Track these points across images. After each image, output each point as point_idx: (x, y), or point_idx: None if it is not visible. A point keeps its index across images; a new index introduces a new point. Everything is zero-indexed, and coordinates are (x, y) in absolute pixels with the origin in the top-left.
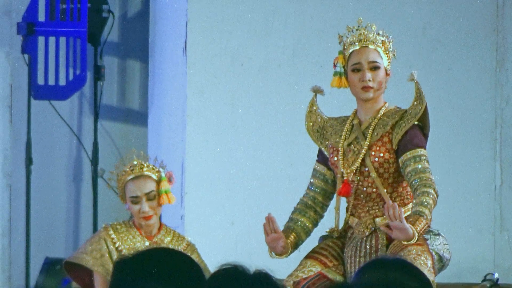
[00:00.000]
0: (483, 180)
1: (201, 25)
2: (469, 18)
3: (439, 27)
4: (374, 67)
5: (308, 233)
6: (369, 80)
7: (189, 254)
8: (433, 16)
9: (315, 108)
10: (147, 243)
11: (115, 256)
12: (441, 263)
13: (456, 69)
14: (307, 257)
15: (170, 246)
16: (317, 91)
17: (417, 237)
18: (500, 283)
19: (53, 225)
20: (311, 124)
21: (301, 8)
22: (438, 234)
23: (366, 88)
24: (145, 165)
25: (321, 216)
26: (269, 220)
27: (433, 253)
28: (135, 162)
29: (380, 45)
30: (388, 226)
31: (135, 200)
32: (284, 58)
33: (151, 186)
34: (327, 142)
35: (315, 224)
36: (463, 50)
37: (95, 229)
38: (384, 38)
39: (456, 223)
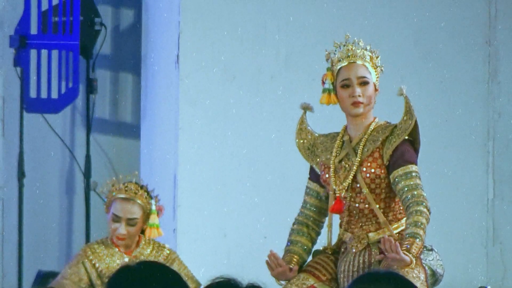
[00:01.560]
0: (476, 193)
1: (193, 37)
2: (461, 30)
3: (430, 39)
4: (363, 82)
5: (309, 252)
6: (359, 96)
7: (171, 262)
8: (424, 28)
9: (304, 125)
10: (126, 259)
11: (94, 277)
12: (434, 278)
13: (448, 82)
14: (301, 271)
15: (151, 258)
16: (306, 108)
17: (414, 261)
18: None
19: (46, 238)
20: (302, 141)
21: (293, 20)
22: (431, 250)
23: (356, 104)
24: (140, 192)
25: (318, 233)
26: (273, 256)
27: (426, 268)
28: (132, 186)
29: (368, 60)
30: (383, 251)
31: (116, 219)
32: (276, 69)
33: (136, 214)
34: (318, 160)
35: (314, 242)
36: (455, 63)
37: (87, 241)
38: (372, 53)
39: (449, 236)
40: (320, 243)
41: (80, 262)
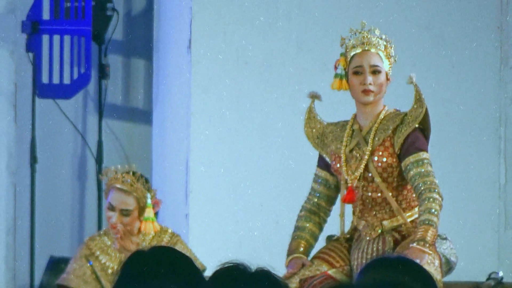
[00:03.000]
0: (488, 178)
1: (205, 23)
2: (473, 16)
3: (442, 25)
4: (376, 71)
5: (316, 238)
6: (370, 84)
7: (174, 244)
8: (436, 14)
9: (313, 114)
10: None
11: (98, 269)
12: (448, 266)
13: (460, 67)
14: (314, 257)
15: (154, 242)
16: (314, 96)
17: (430, 250)
18: (505, 282)
19: (58, 224)
20: (311, 130)
21: (304, 5)
22: (446, 238)
23: (366, 92)
24: (136, 185)
25: (325, 221)
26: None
27: (441, 256)
28: (129, 178)
29: (382, 49)
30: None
31: (111, 207)
32: (288, 55)
33: (130, 205)
34: (328, 149)
35: (321, 229)
36: (467, 48)
37: (99, 227)
38: (386, 42)
39: (461, 221)
40: (329, 230)
41: (83, 256)
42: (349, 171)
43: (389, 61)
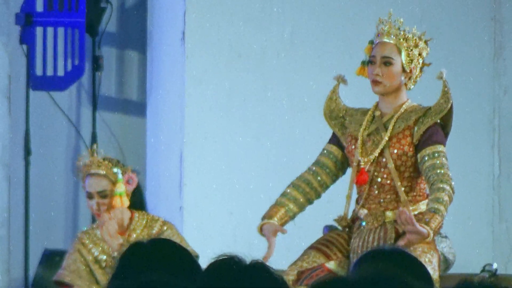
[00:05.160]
0: (482, 170)
1: (199, 15)
2: (466, 7)
3: (436, 17)
4: (387, 63)
5: (300, 206)
6: (377, 75)
7: (164, 232)
8: (430, 6)
9: (335, 96)
10: (121, 240)
11: (91, 263)
12: (445, 265)
13: (453, 59)
14: (311, 247)
15: (144, 234)
16: (340, 79)
17: (432, 235)
18: (499, 274)
19: (52, 216)
20: (329, 110)
21: None
22: (446, 237)
23: (374, 82)
24: (104, 163)
25: (318, 196)
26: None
27: (440, 254)
28: (94, 159)
29: (402, 41)
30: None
31: (89, 195)
32: (282, 47)
33: (104, 185)
34: (346, 131)
35: (310, 202)
36: (461, 40)
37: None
38: (409, 34)
39: (455, 214)
40: (332, 216)
41: (76, 250)
42: (363, 153)
43: (408, 54)
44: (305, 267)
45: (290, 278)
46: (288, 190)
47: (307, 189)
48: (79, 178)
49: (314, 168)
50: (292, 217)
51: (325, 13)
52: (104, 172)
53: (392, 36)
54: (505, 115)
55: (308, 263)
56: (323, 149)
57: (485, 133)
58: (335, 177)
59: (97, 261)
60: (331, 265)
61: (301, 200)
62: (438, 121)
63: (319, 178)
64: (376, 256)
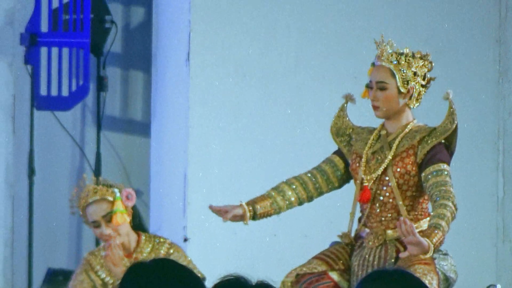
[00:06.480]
0: (486, 191)
1: (204, 35)
2: (472, 29)
3: (441, 38)
4: (381, 88)
5: (288, 201)
6: (373, 100)
7: (171, 254)
8: (435, 27)
9: (343, 113)
10: (123, 268)
11: (98, 284)
12: (446, 283)
13: (458, 80)
14: (315, 257)
15: (152, 256)
16: (348, 98)
17: (433, 249)
18: None
19: (56, 236)
20: (336, 128)
21: (303, 18)
22: (446, 254)
23: (373, 107)
24: (98, 188)
25: (311, 199)
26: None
27: (440, 273)
28: (89, 188)
29: (396, 63)
30: (401, 242)
31: (95, 224)
32: (287, 68)
33: (106, 208)
34: (351, 148)
35: (300, 202)
36: (466, 61)
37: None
38: (401, 55)
39: (459, 234)
40: (338, 233)
41: (83, 272)
42: (367, 171)
43: (401, 74)
44: (304, 271)
45: (288, 280)
46: (281, 185)
47: (300, 189)
48: (75, 213)
49: (312, 171)
50: (277, 211)
51: (330, 34)
52: (100, 196)
53: (384, 59)
54: (509, 137)
55: (308, 268)
56: (326, 158)
57: (490, 154)
58: (331, 185)
59: (104, 283)
60: (334, 274)
61: (292, 197)
62: (443, 141)
63: (314, 181)
64: (378, 277)
